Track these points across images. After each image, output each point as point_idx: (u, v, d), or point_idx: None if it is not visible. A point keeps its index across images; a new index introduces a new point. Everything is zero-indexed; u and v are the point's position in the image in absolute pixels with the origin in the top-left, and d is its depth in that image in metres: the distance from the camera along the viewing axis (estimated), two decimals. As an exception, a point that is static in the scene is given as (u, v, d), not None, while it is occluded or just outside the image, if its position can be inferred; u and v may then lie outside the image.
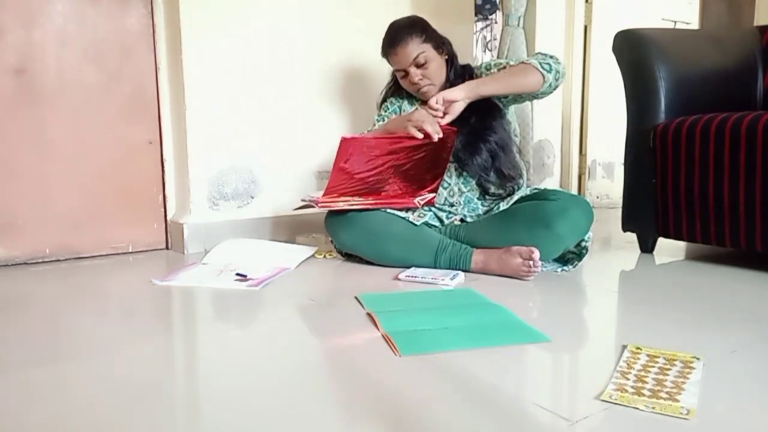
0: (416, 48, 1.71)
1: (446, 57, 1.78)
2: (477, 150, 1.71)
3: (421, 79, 1.74)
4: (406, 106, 1.89)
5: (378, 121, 1.90)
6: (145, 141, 2.03)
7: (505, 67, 1.75)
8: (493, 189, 1.77)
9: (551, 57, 1.72)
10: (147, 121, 2.03)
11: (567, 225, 1.57)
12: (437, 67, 1.75)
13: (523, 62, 1.71)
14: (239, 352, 1.11)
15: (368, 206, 1.70)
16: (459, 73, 1.80)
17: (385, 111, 1.91)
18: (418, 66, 1.73)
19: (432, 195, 1.75)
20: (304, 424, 0.82)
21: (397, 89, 1.91)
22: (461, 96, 1.63)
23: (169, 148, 2.08)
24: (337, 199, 1.68)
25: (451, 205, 1.81)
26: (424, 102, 1.87)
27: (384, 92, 1.96)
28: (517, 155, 1.83)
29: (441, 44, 1.77)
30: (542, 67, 1.67)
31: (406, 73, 1.75)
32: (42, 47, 1.84)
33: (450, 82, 1.77)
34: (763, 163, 1.57)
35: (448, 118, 1.63)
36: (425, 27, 1.77)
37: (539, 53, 1.75)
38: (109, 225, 1.99)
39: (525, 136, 2.72)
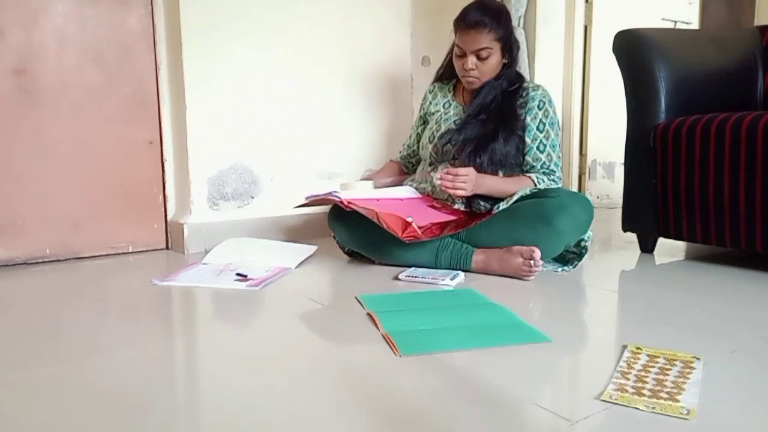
0: (487, 41, 1.71)
1: (506, 61, 1.77)
2: (476, 158, 1.71)
3: (473, 69, 1.74)
4: (438, 99, 1.92)
5: (418, 113, 1.97)
6: (145, 141, 2.03)
7: (545, 129, 1.75)
8: (482, 207, 1.76)
9: (559, 179, 1.77)
10: (147, 121, 2.03)
11: (567, 221, 1.57)
12: (494, 66, 1.75)
13: (532, 180, 1.72)
14: (239, 352, 1.11)
15: (374, 209, 1.66)
16: (512, 80, 1.78)
17: (419, 111, 1.97)
18: (478, 58, 1.73)
19: (416, 232, 1.64)
20: (303, 424, 0.82)
21: (446, 73, 1.92)
22: (468, 191, 1.65)
23: (169, 148, 2.08)
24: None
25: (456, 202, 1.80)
26: (459, 93, 1.87)
27: (436, 72, 1.97)
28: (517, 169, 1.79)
29: (509, 47, 1.76)
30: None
31: (465, 55, 1.74)
32: (42, 47, 1.84)
33: (499, 81, 1.76)
34: (763, 163, 1.57)
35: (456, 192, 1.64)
36: (507, 24, 1.75)
37: (554, 177, 1.75)
38: (109, 225, 1.99)
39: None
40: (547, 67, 2.84)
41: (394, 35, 2.42)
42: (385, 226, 1.56)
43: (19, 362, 1.05)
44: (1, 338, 1.18)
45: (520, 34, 2.61)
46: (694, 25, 3.53)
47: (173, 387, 0.98)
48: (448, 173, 1.63)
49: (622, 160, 2.02)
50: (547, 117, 1.75)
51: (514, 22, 2.60)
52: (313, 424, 0.82)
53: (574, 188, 3.05)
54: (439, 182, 1.66)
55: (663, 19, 3.31)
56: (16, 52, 1.81)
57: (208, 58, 2.01)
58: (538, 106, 1.75)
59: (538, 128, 1.75)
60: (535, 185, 1.71)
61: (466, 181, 1.63)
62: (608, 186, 3.19)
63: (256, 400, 0.89)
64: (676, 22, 3.37)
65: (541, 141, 1.74)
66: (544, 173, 1.75)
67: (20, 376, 0.99)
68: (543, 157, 1.75)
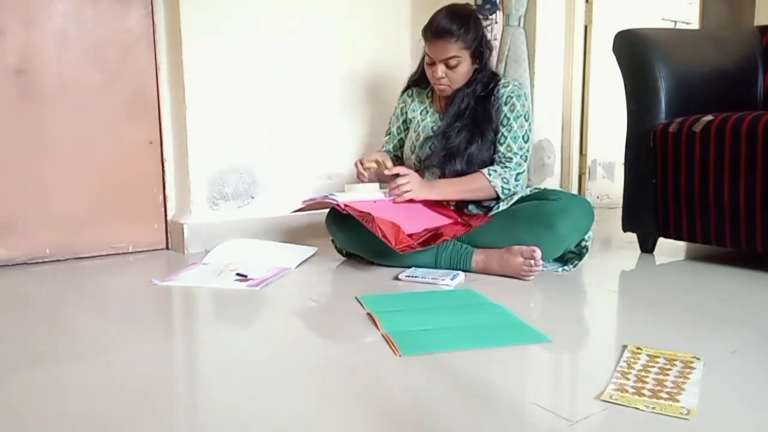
0: (456, 50, 1.71)
1: (476, 66, 1.78)
2: (454, 167, 1.74)
3: (443, 77, 1.75)
4: (415, 104, 1.93)
5: (392, 114, 2.00)
6: (145, 141, 2.03)
7: (510, 121, 1.75)
8: (473, 210, 1.78)
9: (517, 177, 1.74)
10: (147, 121, 2.03)
11: (568, 224, 1.57)
12: (464, 73, 1.76)
13: (484, 176, 1.72)
14: (239, 352, 1.11)
15: (370, 213, 1.66)
16: (486, 83, 1.78)
17: (394, 113, 2.00)
18: (447, 66, 1.73)
19: (410, 242, 1.63)
20: (304, 423, 0.82)
21: (420, 78, 1.93)
22: (420, 197, 1.71)
23: (169, 148, 2.08)
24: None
25: (449, 204, 1.81)
26: (435, 100, 1.90)
27: (409, 77, 1.99)
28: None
29: (479, 53, 1.76)
30: (502, 192, 1.72)
31: (434, 63, 1.75)
32: (42, 47, 1.84)
33: (471, 88, 1.77)
34: (763, 163, 1.57)
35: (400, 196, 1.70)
36: (477, 29, 1.75)
37: (510, 164, 1.74)
38: (109, 225, 1.99)
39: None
40: (547, 67, 2.84)
41: (394, 35, 2.43)
42: (379, 234, 1.55)
43: (19, 362, 1.05)
44: (2, 338, 1.18)
45: (520, 34, 2.61)
46: (694, 25, 3.53)
47: (173, 387, 0.98)
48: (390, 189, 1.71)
49: (622, 160, 2.02)
50: (512, 111, 1.75)
51: (514, 22, 2.60)
52: (314, 423, 0.82)
53: (574, 188, 3.05)
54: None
55: (663, 19, 3.31)
56: (16, 52, 1.80)
57: (208, 58, 2.01)
58: (505, 102, 1.76)
59: (501, 123, 1.76)
60: (486, 177, 1.71)
61: (407, 181, 1.69)
62: (608, 186, 3.19)
63: (256, 400, 0.89)
64: (676, 22, 3.37)
65: (502, 134, 1.75)
66: (498, 163, 1.75)
67: (20, 376, 0.99)
68: (502, 149, 1.75)
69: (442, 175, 1.77)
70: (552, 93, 2.91)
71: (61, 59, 1.87)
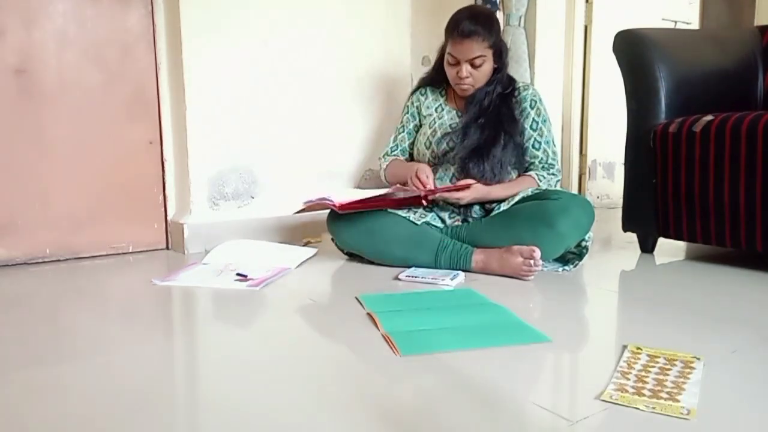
0: (481, 49, 1.73)
1: (496, 65, 1.80)
2: (479, 165, 1.74)
3: (467, 77, 1.76)
4: (430, 102, 1.93)
5: (404, 113, 1.99)
6: (145, 141, 2.03)
7: (540, 128, 1.79)
8: (477, 215, 1.79)
9: (556, 184, 1.81)
10: (147, 121, 2.03)
11: (569, 223, 1.58)
12: (487, 72, 1.78)
13: (535, 180, 1.77)
14: (239, 352, 1.11)
15: (380, 203, 1.69)
16: (505, 84, 1.81)
17: (406, 111, 1.98)
18: (473, 65, 1.75)
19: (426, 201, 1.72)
20: (303, 423, 0.82)
21: (433, 78, 1.93)
22: (466, 200, 1.70)
23: (169, 148, 2.08)
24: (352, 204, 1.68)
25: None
26: (451, 98, 1.90)
27: (421, 78, 1.99)
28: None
29: (499, 52, 1.79)
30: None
31: (458, 63, 1.75)
32: (42, 47, 1.84)
33: (492, 86, 1.79)
34: (763, 163, 1.57)
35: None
36: (497, 29, 1.79)
37: (554, 170, 1.79)
38: (109, 225, 1.99)
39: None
40: (547, 67, 2.84)
41: (394, 35, 2.42)
42: (381, 205, 1.62)
43: (19, 362, 1.05)
44: (2, 338, 1.18)
45: (520, 34, 2.61)
46: (694, 25, 3.53)
47: (173, 387, 0.98)
48: (449, 191, 1.70)
49: (622, 160, 2.02)
50: (539, 115, 1.81)
51: (515, 22, 2.60)
52: (313, 423, 0.82)
53: (574, 188, 3.05)
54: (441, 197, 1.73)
55: (663, 19, 3.31)
56: (16, 52, 1.80)
57: (208, 58, 2.01)
58: (530, 106, 1.81)
59: (531, 127, 1.80)
60: (537, 182, 1.76)
61: (466, 195, 1.69)
62: (608, 186, 3.19)
63: (255, 400, 0.89)
64: (676, 22, 3.37)
65: (535, 139, 1.80)
66: (543, 168, 1.80)
67: (20, 376, 0.99)
68: (540, 153, 1.80)
69: (464, 173, 1.75)
70: (552, 93, 2.91)
71: (61, 59, 1.87)
